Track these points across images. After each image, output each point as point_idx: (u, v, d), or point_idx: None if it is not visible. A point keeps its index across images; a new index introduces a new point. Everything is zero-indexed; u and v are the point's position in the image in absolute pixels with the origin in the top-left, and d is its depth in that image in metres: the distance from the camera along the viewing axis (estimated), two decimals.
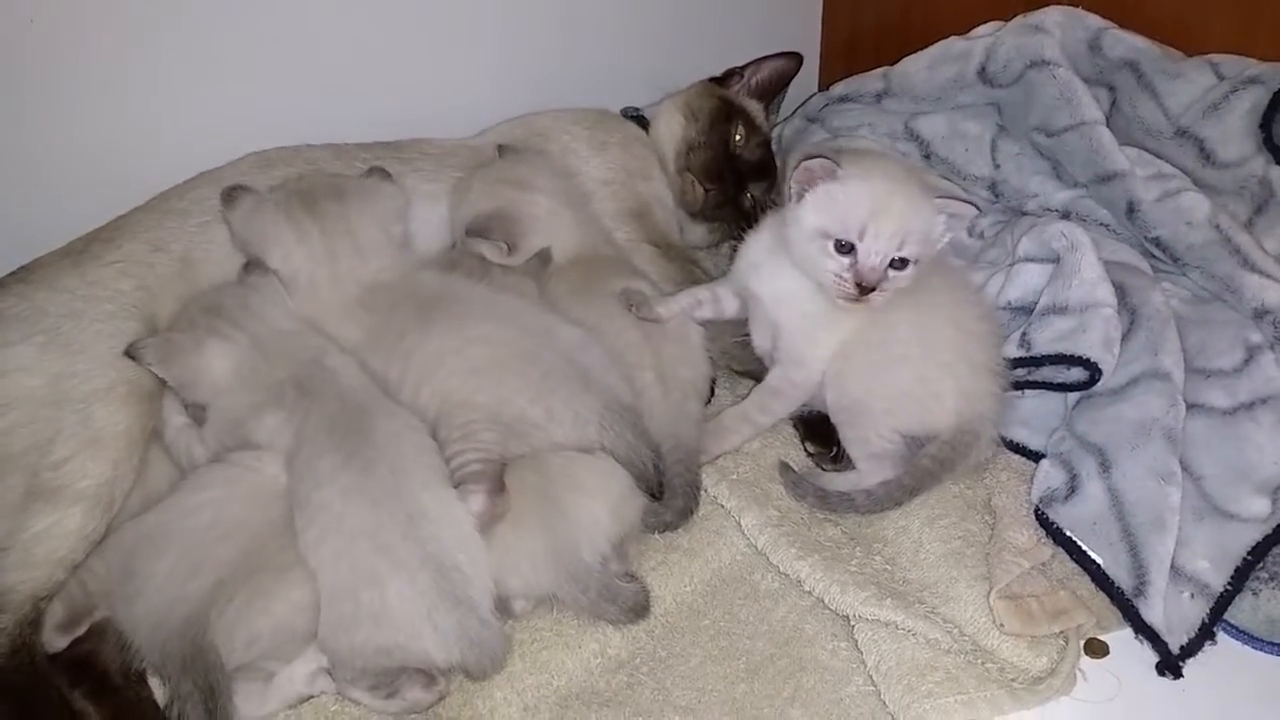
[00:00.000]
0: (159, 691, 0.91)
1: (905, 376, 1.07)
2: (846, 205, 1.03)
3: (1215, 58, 1.30)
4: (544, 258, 1.23)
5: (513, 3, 1.58)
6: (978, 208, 1.07)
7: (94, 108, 1.30)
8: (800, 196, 1.06)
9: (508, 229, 1.21)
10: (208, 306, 1.08)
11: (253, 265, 1.10)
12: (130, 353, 1.04)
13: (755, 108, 1.53)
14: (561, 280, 1.21)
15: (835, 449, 1.13)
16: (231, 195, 1.15)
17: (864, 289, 1.02)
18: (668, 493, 1.07)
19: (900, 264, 1.03)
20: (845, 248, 1.03)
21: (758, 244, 1.17)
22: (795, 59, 1.57)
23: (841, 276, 1.03)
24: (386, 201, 1.17)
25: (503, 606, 0.96)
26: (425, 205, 1.29)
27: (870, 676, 0.93)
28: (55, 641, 0.96)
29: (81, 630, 0.97)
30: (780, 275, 1.12)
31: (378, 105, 1.49)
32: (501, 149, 1.36)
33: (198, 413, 1.06)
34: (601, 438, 1.01)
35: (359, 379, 1.03)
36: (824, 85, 1.80)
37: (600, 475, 1.01)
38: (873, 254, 1.02)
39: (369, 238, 1.12)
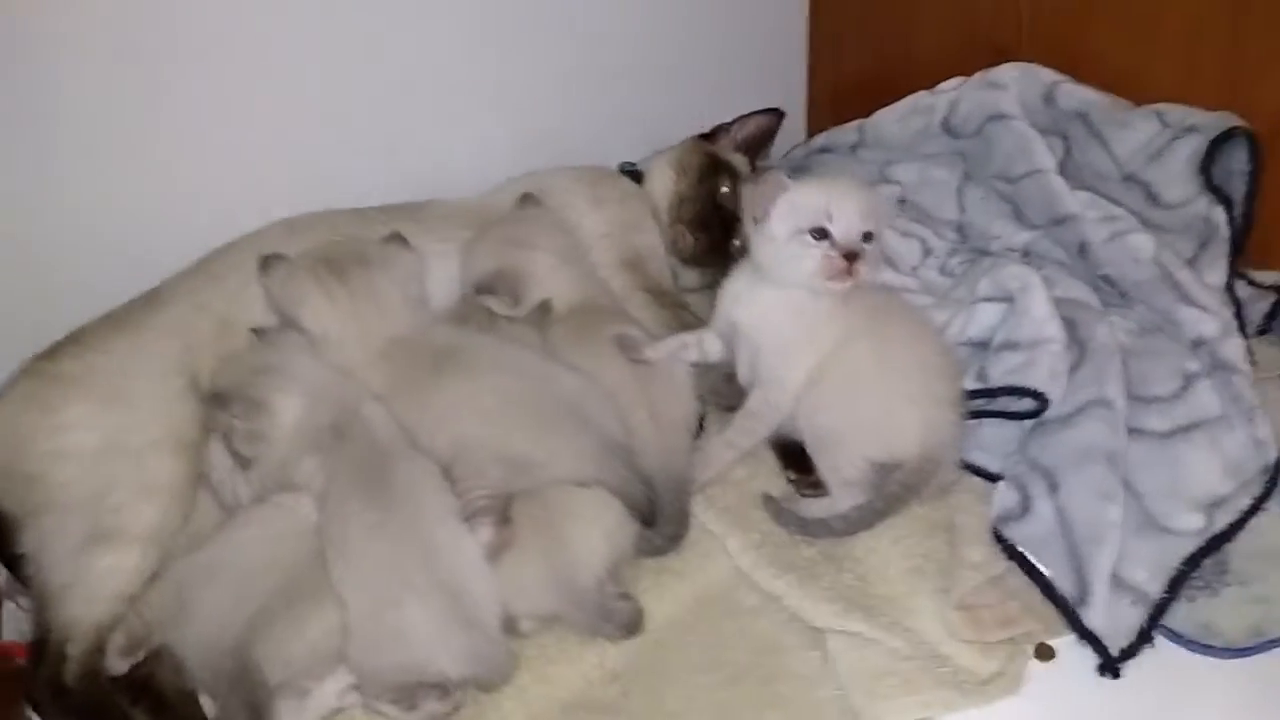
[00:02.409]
0: (209, 707, 1.03)
1: (871, 407, 1.18)
2: (807, 201, 1.18)
3: (1160, 107, 1.41)
4: (545, 308, 1.35)
5: (516, 70, 1.71)
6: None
7: (119, 176, 1.43)
8: (766, 215, 1.19)
9: (511, 285, 1.33)
10: (264, 367, 1.19)
11: (273, 328, 1.23)
12: (215, 406, 1.16)
13: (740, 161, 1.65)
14: (561, 328, 1.33)
15: (814, 475, 1.24)
16: (268, 263, 1.27)
17: (850, 258, 1.15)
18: (660, 520, 1.17)
19: (867, 238, 1.17)
20: (820, 233, 1.16)
21: (736, 280, 1.30)
22: (777, 115, 1.69)
23: (827, 256, 1.16)
24: (406, 267, 1.29)
25: (511, 626, 1.07)
26: (438, 263, 1.40)
27: (839, 683, 1.03)
28: (117, 665, 1.08)
29: (140, 655, 1.08)
30: (758, 302, 1.24)
31: (393, 167, 1.62)
32: (525, 197, 1.48)
33: (243, 459, 1.18)
34: (598, 473, 1.13)
35: (387, 426, 1.15)
36: (811, 135, 1.92)
37: (596, 506, 1.12)
38: (846, 226, 1.16)
39: (390, 299, 1.25)
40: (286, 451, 1.14)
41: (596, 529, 1.11)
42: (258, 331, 1.25)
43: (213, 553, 1.08)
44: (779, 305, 1.22)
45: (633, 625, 1.10)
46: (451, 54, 1.65)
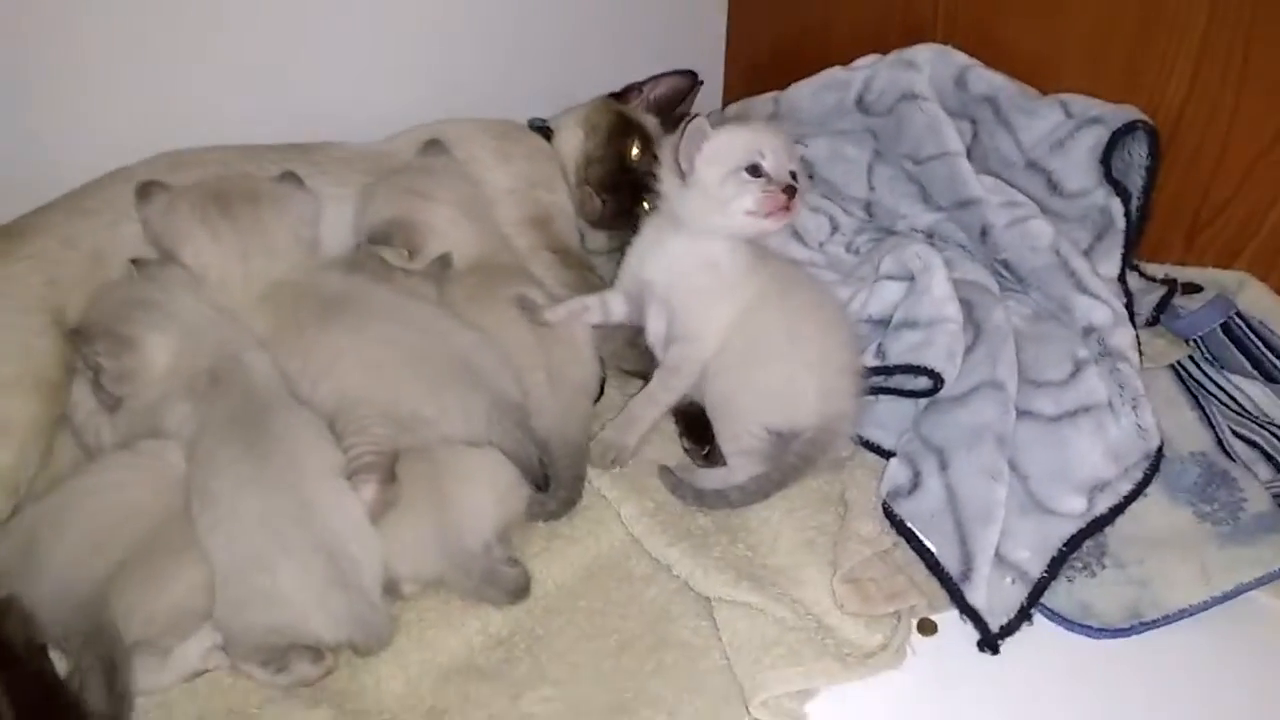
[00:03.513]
0: (60, 664, 0.96)
1: (774, 374, 1.17)
2: (735, 141, 1.19)
3: (1065, 97, 1.42)
4: (444, 262, 1.30)
5: (426, 13, 1.65)
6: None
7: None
8: (691, 164, 1.19)
9: (408, 236, 1.28)
10: (135, 301, 1.12)
11: (153, 261, 1.15)
12: (78, 343, 1.08)
13: (652, 123, 1.62)
14: (460, 285, 1.29)
15: (708, 448, 1.23)
16: (147, 191, 1.20)
17: (789, 190, 1.16)
18: (554, 484, 1.15)
19: (793, 176, 1.18)
20: (754, 170, 1.17)
21: (644, 237, 1.28)
22: (691, 76, 1.67)
23: (765, 191, 1.16)
24: (299, 207, 1.23)
25: (392, 589, 1.04)
26: (332, 208, 1.34)
27: (725, 652, 1.02)
28: None
29: None
30: (671, 255, 1.23)
31: (289, 108, 1.54)
32: (430, 144, 1.43)
33: (109, 400, 1.11)
34: (489, 433, 1.09)
35: (269, 374, 1.10)
36: (727, 104, 1.90)
37: (487, 467, 1.09)
38: (778, 162, 1.18)
39: (281, 240, 1.19)
40: (157, 395, 1.08)
41: (486, 491, 1.08)
42: (137, 263, 1.17)
43: (69, 498, 1.01)
44: (694, 257, 1.21)
45: (519, 591, 1.07)
46: None
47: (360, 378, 1.10)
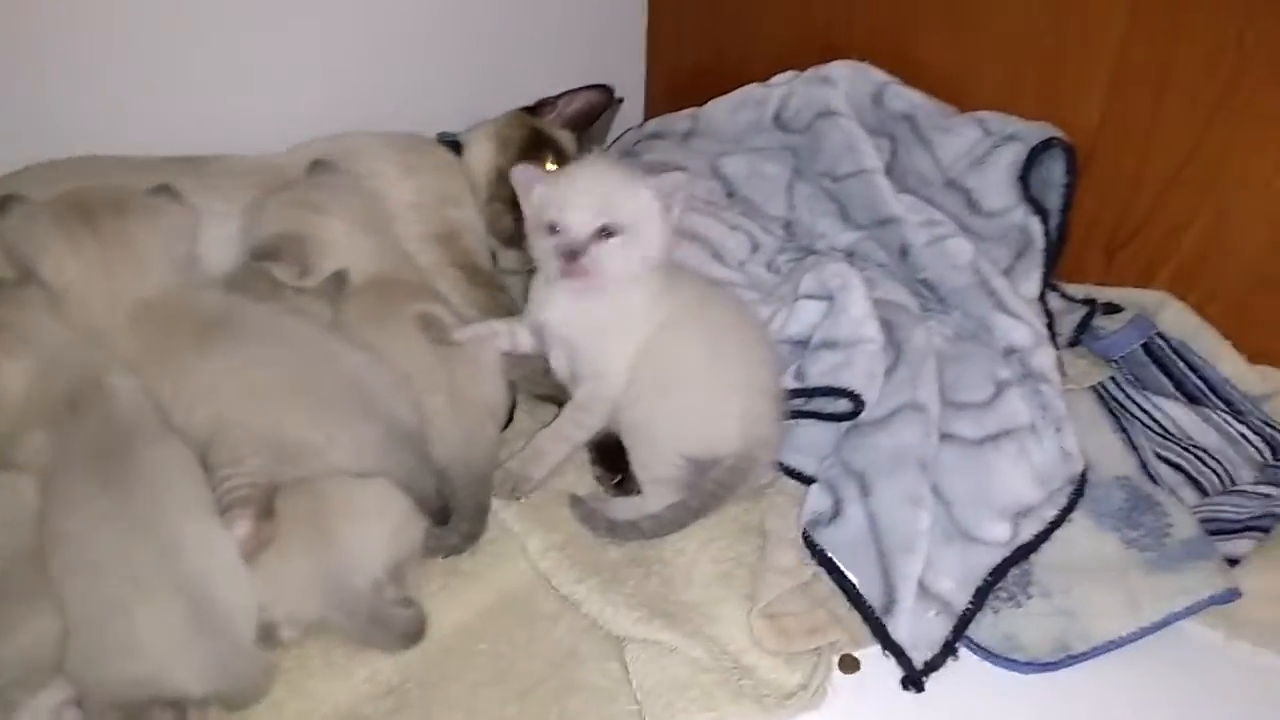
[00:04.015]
0: None
1: (693, 398, 1.11)
2: (551, 194, 1.13)
3: (983, 114, 1.40)
4: (339, 279, 1.22)
5: (335, 22, 1.57)
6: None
7: None
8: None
9: (298, 251, 1.20)
10: None
11: (7, 281, 1.05)
12: None
13: (566, 138, 1.57)
14: (357, 302, 1.21)
15: (619, 476, 1.16)
16: (4, 204, 1.10)
17: (570, 255, 1.10)
18: (455, 516, 1.08)
19: (606, 234, 1.10)
20: (554, 228, 1.11)
21: (538, 279, 1.22)
22: (607, 92, 1.62)
23: (556, 248, 1.11)
24: (172, 221, 1.14)
25: (268, 633, 0.94)
26: (216, 224, 1.26)
27: (635, 696, 0.95)
28: None
29: None
30: (561, 299, 1.17)
31: (181, 115, 1.46)
32: (315, 164, 1.35)
33: None
34: (382, 464, 1.01)
35: (134, 400, 1.00)
36: (647, 120, 1.85)
37: (378, 500, 1.01)
38: (572, 220, 1.11)
39: (149, 255, 1.09)
40: (9, 425, 0.97)
41: (375, 526, 1.00)
42: None
43: None
44: (582, 300, 1.15)
45: (413, 634, 0.99)
46: None
47: (239, 404, 1.01)
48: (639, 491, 1.14)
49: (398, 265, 1.29)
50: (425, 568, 1.07)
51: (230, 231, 1.27)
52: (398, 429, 1.03)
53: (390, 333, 1.16)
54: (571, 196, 1.11)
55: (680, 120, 1.62)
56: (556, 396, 1.25)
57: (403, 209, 1.41)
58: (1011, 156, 1.34)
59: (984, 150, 1.36)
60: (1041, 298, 1.31)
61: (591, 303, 1.15)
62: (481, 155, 1.52)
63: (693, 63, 1.89)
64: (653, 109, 1.98)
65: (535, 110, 1.58)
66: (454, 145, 1.56)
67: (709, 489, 1.09)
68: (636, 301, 1.15)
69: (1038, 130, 1.33)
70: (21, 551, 0.91)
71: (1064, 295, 1.40)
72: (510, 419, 1.26)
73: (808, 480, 1.18)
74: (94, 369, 1.00)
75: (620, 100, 1.71)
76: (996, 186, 1.35)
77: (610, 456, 1.19)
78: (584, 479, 1.20)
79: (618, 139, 1.76)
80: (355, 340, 1.11)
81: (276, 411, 1.00)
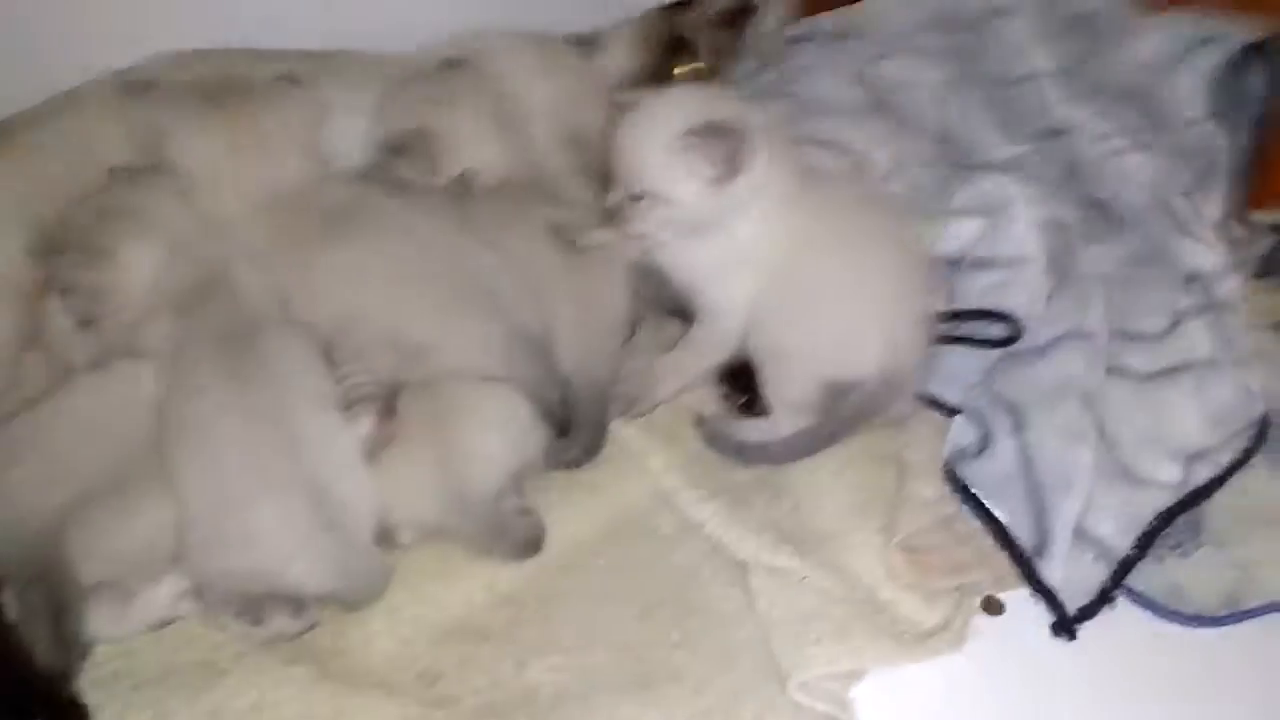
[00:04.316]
0: (11, 603, 0.86)
1: (833, 319, 1.03)
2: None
3: (1176, 15, 1.26)
4: (467, 180, 1.17)
5: None
6: (734, 155, 1.01)
7: None
8: None
9: (429, 147, 1.15)
10: (116, 209, 1.01)
11: (136, 167, 1.05)
12: (45, 256, 0.99)
13: (715, 39, 1.47)
14: (486, 204, 1.16)
15: (747, 397, 1.10)
16: (133, 89, 1.10)
17: (610, 214, 1.06)
18: (574, 428, 1.03)
19: (638, 198, 1.03)
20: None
21: None
22: None
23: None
24: (297, 106, 1.11)
25: (386, 535, 0.92)
26: (346, 117, 1.22)
27: (760, 624, 0.90)
28: None
29: None
30: (665, 242, 1.09)
31: (312, 13, 1.42)
32: (444, 63, 1.30)
33: (85, 319, 1.00)
34: (505, 368, 0.98)
35: (260, 291, 0.98)
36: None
37: (500, 405, 0.97)
38: (613, 189, 1.05)
39: (275, 139, 1.07)
40: (137, 312, 0.97)
41: (498, 431, 0.96)
42: (116, 171, 1.06)
43: (27, 423, 0.91)
44: (687, 239, 1.07)
45: (531, 544, 0.96)
46: None
47: (364, 299, 0.98)
48: (768, 414, 1.07)
49: (529, 168, 1.24)
50: (544, 479, 1.03)
51: (359, 126, 1.23)
52: (523, 334, 0.99)
53: (520, 236, 1.11)
54: (612, 155, 1.05)
55: (834, 19, 1.50)
56: (686, 311, 1.19)
57: (535, 110, 1.35)
58: (1208, 63, 1.20)
59: (1175, 56, 1.22)
60: (1224, 222, 1.18)
61: (698, 244, 1.07)
62: (619, 57, 1.45)
63: None
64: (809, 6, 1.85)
65: (678, 8, 1.49)
66: (590, 45, 1.49)
67: (844, 416, 1.02)
68: (745, 239, 1.05)
69: (1240, 32, 1.18)
70: (141, 440, 0.90)
71: (1249, 222, 1.25)
72: (633, 334, 1.20)
73: (950, 410, 1.09)
74: (220, 257, 0.99)
75: None
76: (1187, 96, 1.22)
77: (738, 376, 1.13)
78: (712, 394, 1.14)
79: None
80: (483, 242, 1.07)
81: (401, 309, 0.97)
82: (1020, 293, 1.05)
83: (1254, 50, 1.18)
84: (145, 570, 0.88)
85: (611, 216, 1.06)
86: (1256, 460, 1.01)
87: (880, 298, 1.03)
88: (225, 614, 0.86)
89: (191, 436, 0.87)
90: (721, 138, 1.01)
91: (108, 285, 0.97)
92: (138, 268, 0.97)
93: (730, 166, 1.01)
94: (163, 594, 0.88)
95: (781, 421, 1.05)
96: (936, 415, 1.10)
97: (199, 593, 0.87)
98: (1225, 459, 1.00)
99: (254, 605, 0.85)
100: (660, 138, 1.03)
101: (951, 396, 1.10)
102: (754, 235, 1.05)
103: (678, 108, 1.06)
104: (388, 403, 0.93)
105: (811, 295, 1.04)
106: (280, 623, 0.86)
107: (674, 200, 1.03)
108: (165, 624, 0.89)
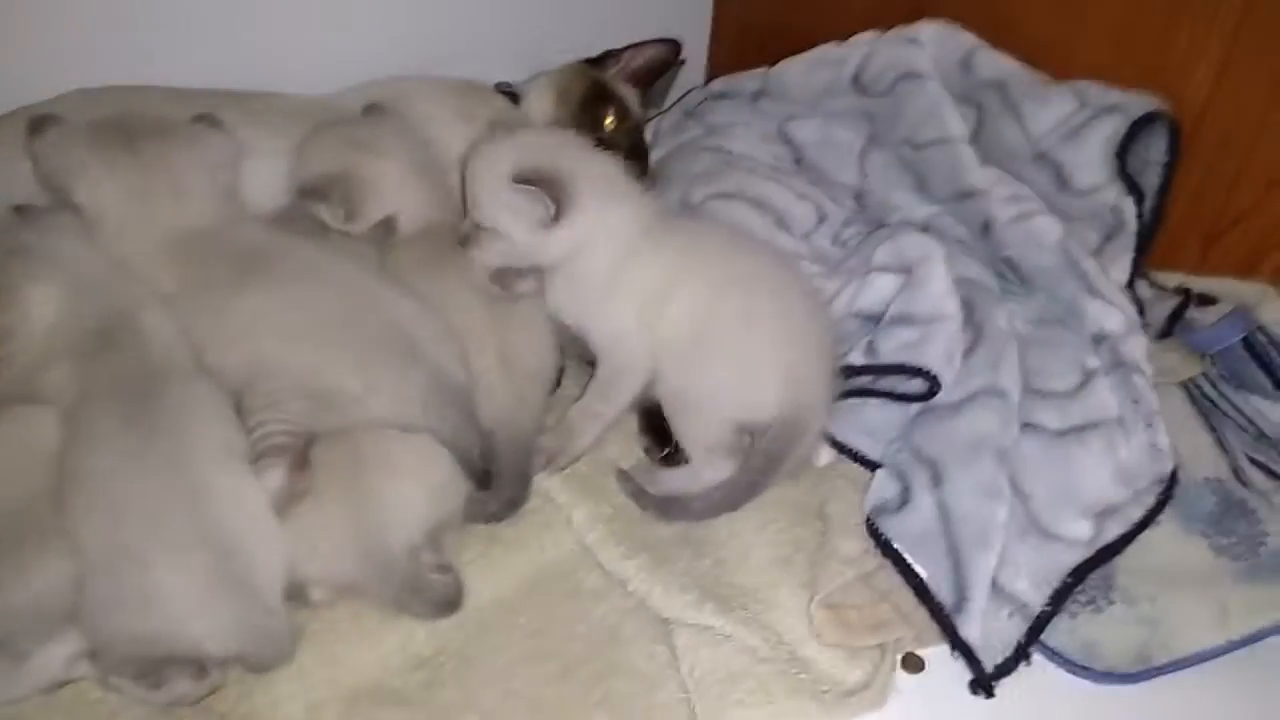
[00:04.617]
0: None
1: (726, 361, 1.03)
2: None
3: (1080, 84, 1.30)
4: (389, 226, 1.15)
5: None
6: (555, 201, 1.04)
7: None
8: None
9: (348, 192, 1.13)
10: (14, 248, 0.97)
11: (40, 207, 1.00)
12: None
13: (629, 93, 1.49)
14: (407, 251, 1.14)
15: (668, 449, 1.10)
16: (39, 124, 1.05)
17: (463, 240, 1.09)
18: (496, 481, 1.01)
19: (482, 229, 1.08)
20: None
21: None
22: (673, 46, 1.53)
23: None
24: (214, 149, 1.08)
25: (297, 594, 0.89)
26: (266, 162, 1.20)
27: (684, 684, 0.89)
28: None
29: None
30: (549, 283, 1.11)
31: (230, 52, 1.40)
32: (369, 108, 1.28)
33: None
34: (426, 418, 0.95)
35: (168, 337, 0.95)
36: (710, 79, 1.77)
37: (419, 457, 0.94)
38: (467, 217, 1.10)
39: (190, 180, 1.04)
40: (36, 355, 0.92)
41: (416, 484, 0.94)
42: (20, 209, 1.01)
43: None
44: (562, 274, 1.09)
45: (449, 603, 0.93)
46: None
47: (276, 345, 0.95)
48: (688, 461, 1.07)
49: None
50: (464, 534, 1.01)
51: (276, 169, 1.20)
52: (444, 382, 0.97)
53: (441, 284, 1.09)
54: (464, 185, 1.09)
55: (749, 80, 1.53)
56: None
57: (457, 157, 1.34)
58: (1109, 130, 1.24)
59: (1079, 122, 1.26)
60: (1130, 285, 1.23)
61: (564, 281, 1.09)
62: (540, 106, 1.45)
63: (762, 20, 1.80)
64: (715, 69, 1.88)
65: (598, 63, 1.50)
66: (512, 96, 1.49)
67: (757, 462, 1.02)
68: (601, 272, 1.07)
69: (1140, 102, 1.23)
70: (37, 490, 0.86)
71: (1154, 283, 1.30)
72: (558, 384, 1.19)
73: (871, 464, 1.10)
74: (127, 301, 0.95)
75: (683, 60, 1.62)
76: (1090, 162, 1.25)
77: (659, 427, 1.12)
78: (634, 449, 1.13)
79: (680, 99, 1.68)
80: (403, 289, 1.05)
81: (316, 355, 0.94)
82: (937, 349, 1.07)
83: (1153, 119, 1.23)
84: (39, 629, 0.83)
85: (463, 242, 1.09)
86: (1164, 517, 1.03)
87: (775, 337, 1.04)
88: (123, 677, 0.82)
89: (89, 488, 0.82)
90: (543, 184, 1.03)
91: (7, 327, 0.92)
92: (39, 309, 0.93)
93: (552, 212, 1.04)
94: (58, 654, 0.83)
95: (700, 468, 1.05)
96: (856, 469, 1.11)
97: (96, 654, 0.82)
98: (1135, 515, 1.02)
99: (153, 668, 0.81)
100: (491, 179, 1.07)
101: (872, 450, 1.11)
102: (610, 270, 1.07)
103: (510, 150, 1.08)
104: (300, 453, 0.89)
105: (706, 338, 1.04)
106: (181, 686, 0.82)
107: (507, 237, 1.06)
108: (59, 686, 0.84)
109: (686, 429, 1.05)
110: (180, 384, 0.90)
